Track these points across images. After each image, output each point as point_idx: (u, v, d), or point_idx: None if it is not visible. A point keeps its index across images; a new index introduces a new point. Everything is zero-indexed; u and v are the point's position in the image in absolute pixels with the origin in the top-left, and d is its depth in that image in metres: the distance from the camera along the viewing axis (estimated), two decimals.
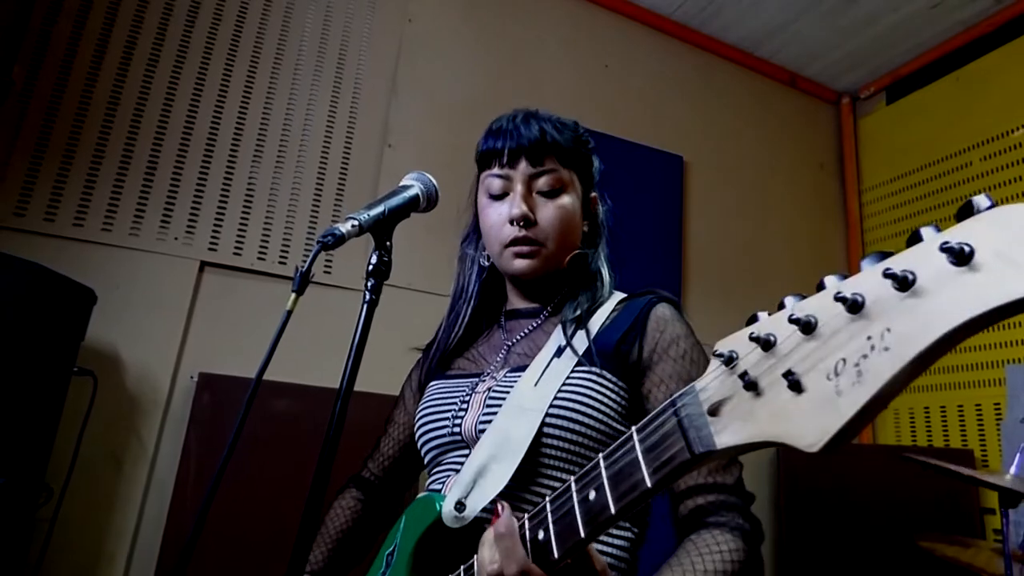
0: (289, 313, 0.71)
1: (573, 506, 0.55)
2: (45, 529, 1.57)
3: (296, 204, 2.10)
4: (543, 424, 0.78)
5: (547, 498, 0.60)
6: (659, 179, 2.68)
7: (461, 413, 0.87)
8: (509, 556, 0.58)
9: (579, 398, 0.79)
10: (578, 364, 0.82)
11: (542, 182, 0.90)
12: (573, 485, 0.56)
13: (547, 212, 0.89)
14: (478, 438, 0.82)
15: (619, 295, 0.94)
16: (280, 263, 2.04)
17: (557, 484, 0.77)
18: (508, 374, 0.87)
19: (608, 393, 0.81)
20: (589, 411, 0.79)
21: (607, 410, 0.80)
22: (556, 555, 0.56)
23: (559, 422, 0.78)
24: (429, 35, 2.43)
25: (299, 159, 2.14)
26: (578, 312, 0.88)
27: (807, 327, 0.39)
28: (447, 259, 2.17)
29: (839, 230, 3.14)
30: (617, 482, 0.52)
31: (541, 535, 0.58)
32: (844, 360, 0.37)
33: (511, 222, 0.89)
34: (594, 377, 0.81)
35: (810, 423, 0.38)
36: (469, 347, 0.99)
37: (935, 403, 2.60)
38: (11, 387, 1.33)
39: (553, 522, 0.57)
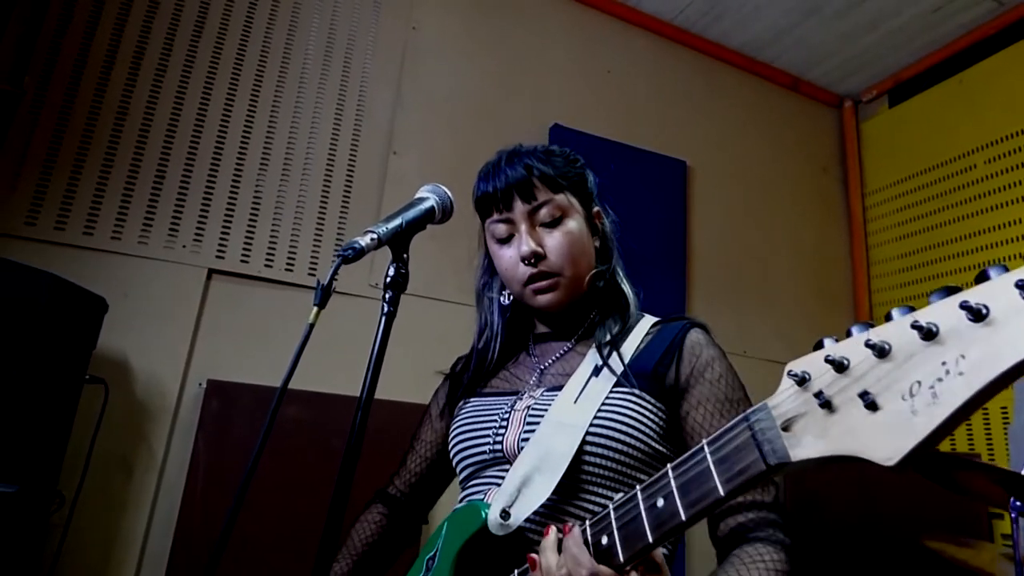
0: (311, 327, 0.73)
1: (640, 513, 0.57)
2: (58, 535, 1.59)
3: (302, 211, 2.12)
4: (584, 440, 0.80)
5: (610, 505, 0.62)
6: (662, 184, 2.69)
7: (501, 431, 0.88)
8: (578, 562, 0.60)
9: (620, 417, 0.82)
10: (616, 385, 0.84)
11: (543, 214, 0.92)
12: (640, 493, 0.59)
13: (555, 241, 0.91)
14: (520, 454, 0.84)
15: (650, 318, 0.96)
16: (287, 270, 2.05)
17: (599, 499, 0.80)
18: (545, 393, 0.89)
19: (647, 414, 0.83)
20: (630, 430, 0.81)
21: (647, 430, 0.82)
22: (622, 559, 0.58)
23: (600, 440, 0.80)
24: (433, 42, 2.45)
25: (305, 167, 2.16)
26: (610, 335, 0.90)
27: (881, 351, 0.42)
28: (451, 266, 2.20)
29: (843, 234, 3.15)
30: (687, 491, 0.54)
31: (604, 540, 0.60)
32: (919, 382, 0.39)
33: (523, 261, 0.90)
34: (633, 398, 0.83)
35: (885, 440, 0.41)
36: (500, 368, 1.01)
37: None
38: (24, 395, 1.34)
39: (618, 528, 0.59)
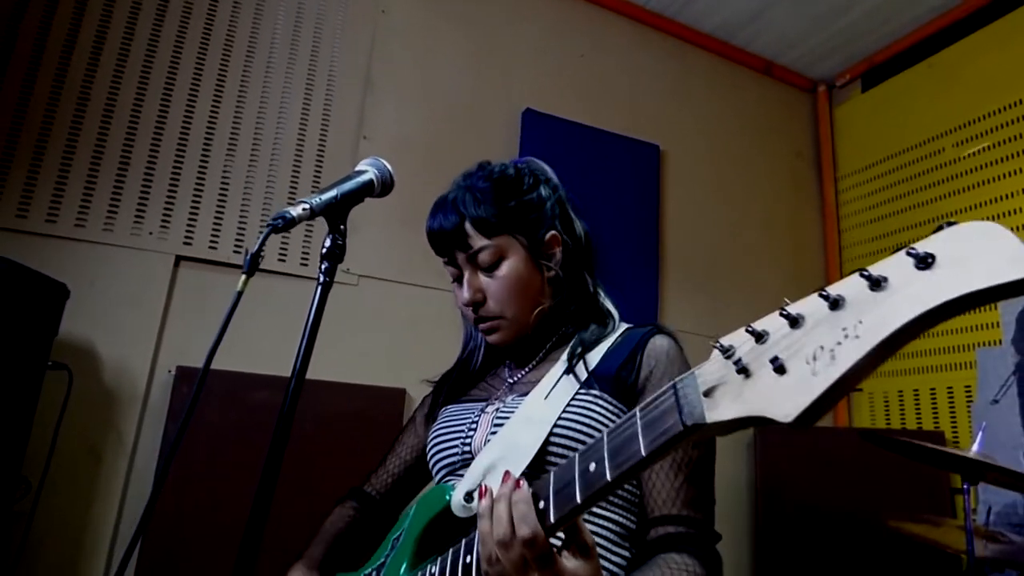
0: (239, 294, 0.73)
1: (574, 477, 0.60)
2: (24, 523, 1.59)
3: (271, 197, 2.11)
4: (550, 436, 0.82)
5: (551, 471, 0.63)
6: (636, 168, 2.69)
7: (471, 432, 0.91)
8: (523, 520, 0.61)
9: (584, 418, 0.84)
10: (582, 387, 0.87)
11: (481, 259, 0.93)
12: (576, 458, 0.61)
13: (493, 287, 0.93)
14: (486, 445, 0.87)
15: (624, 326, 0.97)
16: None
17: None
18: (516, 398, 0.92)
19: (610, 415, 0.85)
20: (592, 431, 0.83)
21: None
22: (552, 520, 0.61)
23: (564, 440, 0.82)
24: (403, 26, 2.43)
25: (274, 152, 2.14)
26: (582, 341, 0.93)
27: (794, 321, 0.45)
28: (422, 251, 2.20)
29: (816, 217, 3.18)
30: (615, 454, 0.56)
31: (541, 504, 0.62)
32: (822, 347, 0.42)
33: (465, 307, 0.95)
34: (597, 400, 0.86)
35: (787, 399, 0.43)
36: (481, 380, 1.04)
37: (908, 387, 2.65)
38: None
39: (554, 492, 0.61)
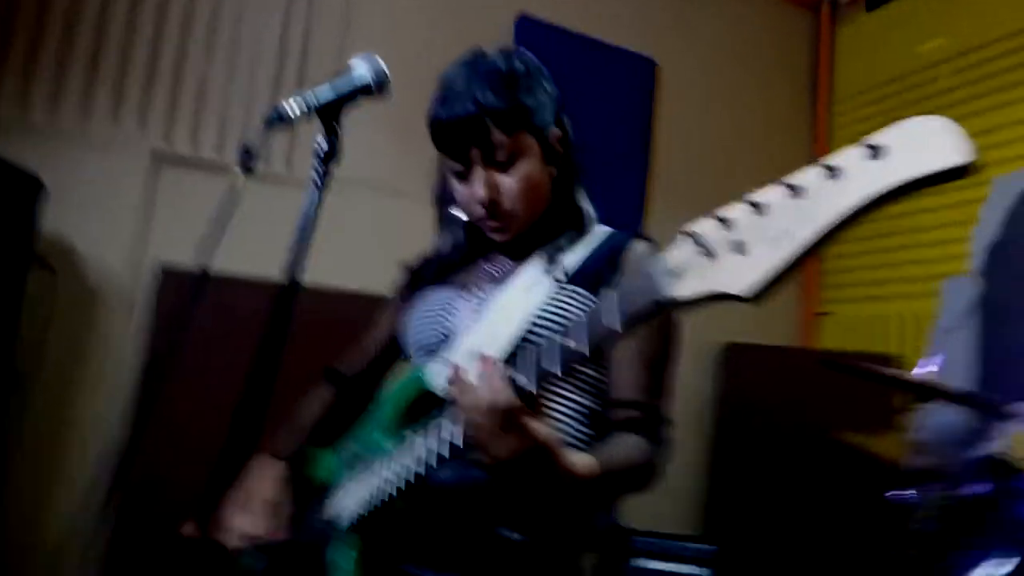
0: (236, 195, 0.73)
1: (557, 350, 0.66)
2: (15, 417, 1.62)
3: (254, 90, 2.02)
4: (529, 326, 0.87)
5: (536, 348, 0.69)
6: (631, 81, 2.63)
7: (449, 316, 0.95)
8: (501, 390, 0.68)
9: (561, 309, 0.88)
10: (561, 282, 0.91)
11: (499, 155, 0.89)
12: (558, 336, 0.67)
13: (508, 186, 0.90)
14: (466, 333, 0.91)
15: (605, 229, 0.99)
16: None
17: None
18: (496, 287, 0.95)
19: (586, 309, 0.87)
20: (568, 323, 0.85)
21: None
22: (533, 390, 0.68)
23: (541, 330, 0.87)
24: None
25: (258, 43, 2.03)
26: (562, 242, 0.95)
27: (758, 208, 0.49)
28: (415, 156, 2.14)
29: (807, 138, 3.15)
30: (594, 328, 0.63)
31: (522, 378, 0.69)
32: (781, 229, 0.47)
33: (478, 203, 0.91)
34: (574, 294, 0.90)
35: (745, 276, 0.49)
36: (460, 268, 1.04)
37: (877, 312, 2.75)
38: None
39: (536, 364, 0.68)
